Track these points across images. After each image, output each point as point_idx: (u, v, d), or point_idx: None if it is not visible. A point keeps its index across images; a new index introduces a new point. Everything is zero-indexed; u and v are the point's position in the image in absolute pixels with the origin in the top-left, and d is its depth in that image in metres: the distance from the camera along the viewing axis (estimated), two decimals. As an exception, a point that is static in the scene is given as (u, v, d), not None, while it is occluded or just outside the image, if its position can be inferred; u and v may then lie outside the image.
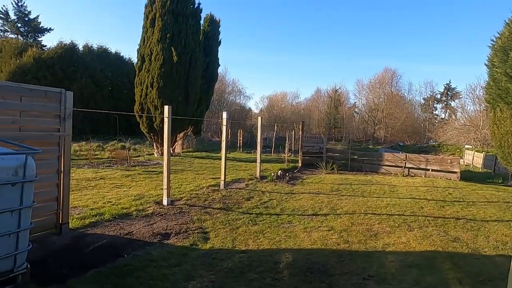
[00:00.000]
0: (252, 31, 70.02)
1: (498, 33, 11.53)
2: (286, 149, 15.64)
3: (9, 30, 37.80)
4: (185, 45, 15.63)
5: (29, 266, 3.16)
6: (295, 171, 13.07)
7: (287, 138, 17.32)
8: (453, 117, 47.99)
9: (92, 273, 3.50)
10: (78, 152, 15.28)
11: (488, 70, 12.14)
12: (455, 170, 12.69)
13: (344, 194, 8.55)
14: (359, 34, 66.45)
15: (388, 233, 5.32)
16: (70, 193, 4.99)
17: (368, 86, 56.47)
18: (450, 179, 12.33)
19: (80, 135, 20.84)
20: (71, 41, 27.82)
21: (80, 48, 28.62)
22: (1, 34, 37.22)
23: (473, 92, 38.06)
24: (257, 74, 75.59)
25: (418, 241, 4.95)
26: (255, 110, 56.97)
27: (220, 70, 20.11)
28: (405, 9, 59.67)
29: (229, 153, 20.11)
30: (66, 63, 26.27)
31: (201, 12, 16.95)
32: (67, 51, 26.80)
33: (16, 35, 37.16)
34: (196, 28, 16.55)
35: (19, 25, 37.97)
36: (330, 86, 59.48)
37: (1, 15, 37.27)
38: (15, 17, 37.83)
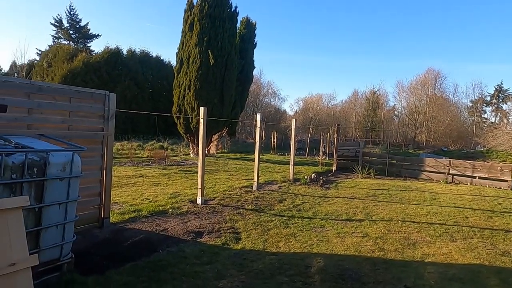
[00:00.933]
0: (288, 31, 69.79)
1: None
2: (321, 152, 15.36)
3: (62, 37, 40.91)
4: (221, 48, 15.94)
5: (73, 256, 3.39)
6: (329, 174, 12.80)
7: (321, 141, 17.00)
8: (505, 121, 44.35)
9: (129, 266, 3.68)
10: (120, 151, 16.14)
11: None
12: (506, 178, 11.71)
13: (381, 200, 8.23)
14: (400, 35, 63.73)
15: (428, 242, 5.04)
16: (112, 189, 5.28)
17: (409, 88, 53.90)
18: (500, 188, 11.41)
19: (122, 134, 22.02)
20: (116, 46, 29.51)
21: (124, 52, 30.26)
22: (56, 40, 40.42)
23: (528, 94, 34.89)
24: (292, 75, 75.17)
25: (461, 253, 4.63)
26: (290, 112, 56.64)
27: (255, 72, 20.28)
28: (449, 4, 56.24)
29: (263, 155, 20.17)
30: (111, 67, 27.91)
31: (237, 16, 17.22)
32: (112, 55, 28.45)
33: (68, 41, 40.13)
34: (233, 31, 16.82)
35: (71, 32, 40.96)
36: (368, 88, 57.50)
37: (56, 23, 40.46)
38: (67, 25, 40.87)
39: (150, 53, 32.43)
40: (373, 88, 55.23)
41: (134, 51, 31.24)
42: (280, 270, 3.84)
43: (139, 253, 4.06)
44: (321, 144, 16.35)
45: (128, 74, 28.47)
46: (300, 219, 6.13)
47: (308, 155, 20.12)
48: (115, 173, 9.28)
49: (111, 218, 5.15)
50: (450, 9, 55.76)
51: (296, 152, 21.92)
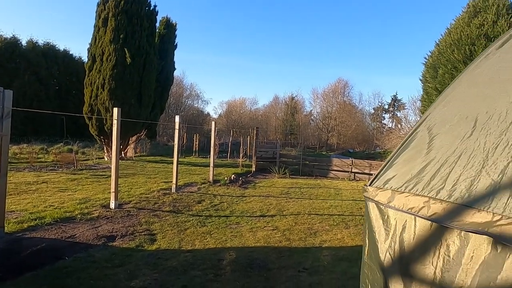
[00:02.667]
0: (213, 34, 69.91)
1: (430, 52, 12.94)
2: (241, 154, 15.91)
3: None
4: (139, 47, 15.34)
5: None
6: (249, 175, 13.37)
7: (241, 143, 17.61)
8: (399, 126, 51.86)
9: (29, 276, 3.44)
10: (19, 155, 14.22)
11: (422, 84, 13.53)
12: (394, 174, 13.80)
13: (293, 197, 9.00)
14: (316, 44, 69.33)
15: (327, 231, 5.78)
16: (7, 197, 4.77)
17: (322, 95, 59.02)
18: (389, 183, 13.40)
19: (20, 137, 19.34)
20: (13, 35, 25.80)
21: (24, 43, 26.63)
22: None
23: (414, 103, 41.50)
24: (217, 78, 75.44)
25: (351, 237, 5.45)
26: (214, 115, 56.76)
27: (177, 73, 19.95)
28: (360, 21, 63.60)
29: (184, 158, 19.93)
30: (6, 59, 24.28)
31: (157, 15, 16.77)
32: (8, 46, 24.79)
33: None
34: (151, 30, 16.32)
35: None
36: (287, 94, 61.11)
37: None
38: None
39: (57, 46, 29.15)
40: (291, 94, 58.95)
41: (36, 42, 27.71)
42: (194, 266, 4.02)
43: (41, 261, 3.80)
44: (241, 147, 16.92)
45: (28, 68, 25.12)
46: (217, 218, 6.38)
47: (230, 158, 20.57)
48: (11, 179, 8.24)
49: (6, 227, 4.65)
50: (361, 23, 62.84)
51: (218, 154, 22.15)
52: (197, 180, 10.88)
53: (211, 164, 10.95)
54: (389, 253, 0.98)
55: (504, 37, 1.20)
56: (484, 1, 11.11)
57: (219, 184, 10.44)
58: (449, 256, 0.75)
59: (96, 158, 16.12)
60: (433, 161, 0.90)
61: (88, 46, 16.01)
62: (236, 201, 8.11)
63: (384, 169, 1.15)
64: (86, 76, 15.86)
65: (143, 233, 5.12)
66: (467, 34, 10.81)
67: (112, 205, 6.45)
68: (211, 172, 10.88)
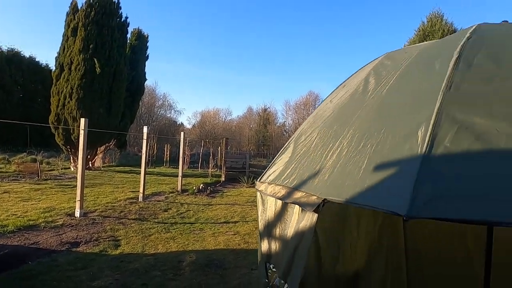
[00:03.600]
0: (187, 45, 69.96)
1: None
2: (210, 164, 16.19)
3: None
4: (109, 57, 15.38)
5: None
6: (218, 185, 13.67)
7: (211, 154, 17.90)
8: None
9: (-8, 279, 3.59)
10: (-23, 165, 13.67)
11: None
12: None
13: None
14: (289, 57, 71.16)
15: (284, 234, 6.23)
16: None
17: (294, 107, 60.56)
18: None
19: (-20, 146, 18.50)
20: (-26, 40, 24.70)
21: (-15, 49, 25.58)
22: None
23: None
24: (190, 89, 75.15)
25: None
26: (188, 125, 56.41)
27: (150, 83, 20.05)
28: (329, 37, 66.17)
29: (154, 168, 19.87)
30: (-35, 65, 23.22)
31: (128, 26, 16.91)
32: (-32, 51, 23.74)
33: None
34: (122, 41, 16.43)
35: None
36: (260, 105, 62.09)
37: None
38: None
39: (22, 52, 28.21)
40: (265, 106, 60.02)
41: (0, 48, 26.71)
42: (155, 267, 4.31)
43: (4, 266, 3.94)
44: (211, 157, 17.22)
45: (-10, 75, 24.11)
46: (182, 224, 6.66)
47: (200, 168, 20.73)
48: (-30, 189, 8.07)
49: (-33, 236, 4.71)
50: (330, 39, 65.33)
51: (189, 165, 22.23)
52: (165, 189, 11.04)
53: (180, 174, 11.18)
54: (263, 223, 1.41)
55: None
56: (432, 26, 12.34)
57: (187, 193, 10.67)
58: (286, 220, 1.17)
59: (62, 168, 15.76)
60: (292, 162, 1.34)
61: (56, 54, 15.82)
62: (203, 209, 8.41)
63: (269, 168, 1.58)
64: (53, 85, 15.62)
65: (107, 239, 5.32)
66: (417, 55, 11.90)
67: (77, 214, 6.56)
68: (179, 182, 11.09)
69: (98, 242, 5.18)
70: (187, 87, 70.46)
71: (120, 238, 5.47)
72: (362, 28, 59.55)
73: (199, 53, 69.72)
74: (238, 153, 32.16)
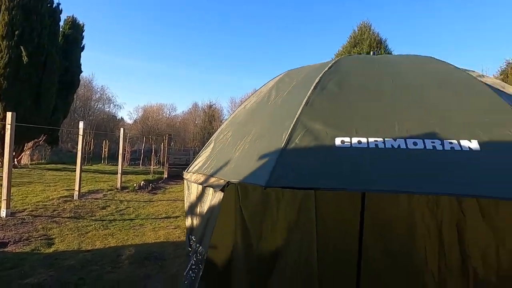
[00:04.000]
0: (126, 37, 66.21)
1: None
2: (152, 161, 15.90)
3: None
4: (38, 45, 14.19)
5: None
6: (160, 181, 13.54)
7: (153, 150, 17.56)
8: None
9: None
10: None
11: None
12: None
13: (200, 200, 9.64)
14: (234, 55, 71.39)
15: (224, 226, 6.58)
16: None
17: (239, 104, 61.10)
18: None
19: None
20: None
21: None
22: None
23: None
24: (132, 82, 71.35)
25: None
26: (129, 120, 53.60)
27: (86, 75, 18.83)
28: (275, 36, 67.79)
29: (91, 165, 18.85)
30: None
31: (60, 13, 15.72)
32: None
33: None
34: (54, 29, 15.24)
35: None
36: (206, 102, 61.53)
37: None
38: None
39: None
40: (210, 102, 59.63)
41: None
42: (92, 262, 4.35)
43: None
44: (153, 154, 16.91)
45: None
46: (121, 221, 6.63)
47: (142, 165, 20.14)
48: None
49: None
50: (276, 39, 66.91)
51: (130, 162, 21.44)
52: (103, 187, 10.68)
53: (119, 171, 10.89)
54: (188, 205, 1.74)
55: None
56: (362, 35, 13.64)
57: (127, 190, 10.46)
58: (204, 200, 1.51)
59: (-20, 167, 14.18)
60: (211, 156, 1.68)
61: (-27, 39, 14.12)
62: (143, 205, 8.38)
63: (195, 161, 1.90)
64: (-30, 73, 13.93)
65: (39, 238, 5.15)
66: (349, 60, 13.12)
67: (3, 214, 6.16)
68: (119, 179, 10.81)
69: (29, 241, 5.00)
70: (127, 81, 66.89)
71: (53, 236, 5.33)
72: (307, 29, 62.11)
73: (141, 45, 66.67)
74: (183, 150, 31.73)
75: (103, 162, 21.86)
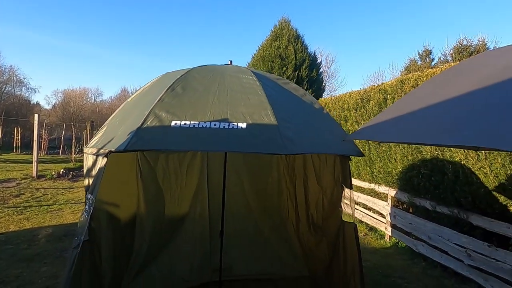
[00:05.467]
0: (39, 12, 58.80)
1: (248, 63, 15.95)
2: (73, 149, 15.25)
3: None
4: None
5: None
6: (82, 169, 13.19)
7: (73, 138, 16.78)
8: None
9: None
10: None
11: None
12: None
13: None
14: (165, 40, 68.64)
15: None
16: None
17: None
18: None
19: None
20: None
21: None
22: None
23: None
24: (49, 63, 64.01)
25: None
26: (46, 105, 48.49)
27: (-13, 56, 16.80)
28: (208, 23, 66.69)
29: (1, 155, 17.24)
30: None
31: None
32: None
33: None
34: None
35: None
36: (135, 87, 58.63)
37: None
38: None
39: None
40: (140, 87, 56.92)
41: None
42: (7, 243, 4.58)
43: None
44: (73, 141, 16.20)
45: None
46: (37, 207, 6.69)
47: (63, 154, 19.02)
48: None
49: None
50: (209, 25, 65.89)
51: (49, 150, 20.00)
52: (17, 176, 10.18)
53: (35, 159, 10.46)
54: (85, 171, 2.36)
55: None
56: (281, 30, 14.78)
57: (44, 178, 10.15)
58: (95, 165, 2.14)
59: None
60: (104, 134, 2.32)
61: None
62: (63, 192, 8.38)
63: (93, 138, 2.49)
64: None
65: None
66: (269, 53, 14.21)
67: None
68: (34, 168, 10.39)
69: None
70: (43, 61, 59.99)
71: (-39, 223, 5.30)
72: (237, 17, 62.43)
73: (59, 23, 59.94)
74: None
75: (15, 151, 20.03)
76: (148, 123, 1.85)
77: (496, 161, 3.34)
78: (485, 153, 3.43)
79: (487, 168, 3.44)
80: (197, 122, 1.86)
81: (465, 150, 3.64)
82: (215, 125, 1.84)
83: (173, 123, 1.85)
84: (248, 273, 3.59)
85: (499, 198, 3.37)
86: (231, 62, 2.78)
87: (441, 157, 4.10)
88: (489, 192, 3.46)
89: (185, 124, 1.84)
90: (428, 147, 4.29)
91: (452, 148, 3.85)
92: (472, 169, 3.64)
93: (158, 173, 3.34)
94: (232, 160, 3.46)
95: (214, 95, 2.08)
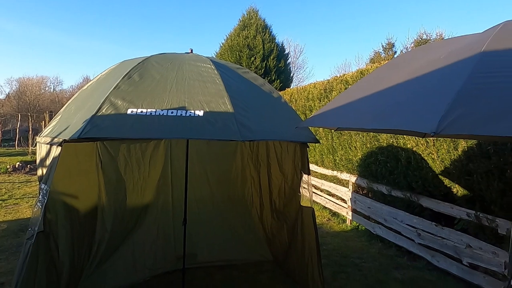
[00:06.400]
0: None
1: (216, 52, 15.77)
2: (30, 141, 14.41)
3: None
4: None
5: None
6: (41, 162, 12.54)
7: (30, 129, 15.84)
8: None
9: None
10: None
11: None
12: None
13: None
14: (129, 26, 65.66)
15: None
16: None
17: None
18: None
19: None
20: None
21: None
22: None
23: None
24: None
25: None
26: (-1, 95, 45.03)
27: None
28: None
29: None
30: None
31: None
32: None
33: None
34: None
35: None
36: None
37: None
38: None
39: None
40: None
41: None
42: (-44, 240, 4.31)
43: None
44: (30, 132, 15.30)
45: None
46: (-10, 202, 6.31)
47: (18, 146, 17.89)
48: None
49: None
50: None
51: (3, 143, 18.70)
52: (-35, 170, 9.50)
53: (-13, 152, 9.78)
54: (38, 160, 2.30)
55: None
56: (249, 19, 14.71)
57: (-2, 172, 9.55)
58: (49, 154, 2.09)
59: None
60: (58, 123, 2.26)
61: None
62: (19, 186, 7.95)
63: (47, 128, 2.42)
64: None
65: None
66: (237, 43, 14.13)
67: None
68: (-14, 161, 9.73)
69: None
70: (-6, 46, 55.42)
71: None
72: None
73: (12, 6, 55.41)
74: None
75: (-36, 145, 18.53)
76: (103, 110, 1.83)
77: (442, 147, 3.62)
78: (433, 140, 3.70)
79: (434, 154, 3.72)
80: (154, 110, 1.86)
81: (416, 138, 3.91)
82: (172, 113, 1.86)
83: (129, 111, 1.84)
84: (212, 260, 3.66)
85: (444, 181, 3.67)
86: (191, 50, 2.77)
87: (396, 144, 4.37)
88: (436, 176, 3.75)
89: (141, 112, 1.84)
90: (385, 135, 4.55)
91: (405, 136, 4.11)
92: (422, 155, 3.91)
93: (119, 162, 3.27)
94: (196, 149, 3.48)
95: (172, 83, 2.08)
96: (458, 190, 3.52)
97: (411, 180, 4.06)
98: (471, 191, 3.33)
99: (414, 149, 4.03)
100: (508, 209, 2.94)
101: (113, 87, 1.97)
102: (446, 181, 3.64)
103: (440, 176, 3.71)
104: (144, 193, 3.50)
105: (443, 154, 3.61)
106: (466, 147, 3.36)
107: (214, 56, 16.07)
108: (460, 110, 0.93)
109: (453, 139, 3.43)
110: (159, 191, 3.58)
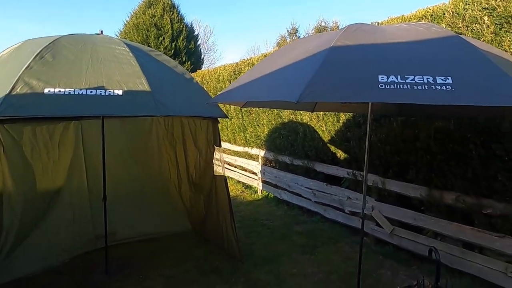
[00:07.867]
0: None
1: (119, 30, 14.70)
2: None
3: None
4: None
5: None
6: None
7: None
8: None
9: None
10: None
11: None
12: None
13: None
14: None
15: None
16: None
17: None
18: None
19: None
20: None
21: None
22: None
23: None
24: None
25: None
26: None
27: None
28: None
29: None
30: None
31: None
32: None
33: None
34: None
35: None
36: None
37: None
38: None
39: None
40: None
41: None
42: None
43: None
44: None
45: None
46: None
47: None
48: None
49: None
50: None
51: None
52: None
53: None
54: None
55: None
56: (155, -3, 14.09)
57: None
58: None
59: None
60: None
61: None
62: None
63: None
64: None
65: None
66: (143, 21, 13.44)
67: None
68: None
69: None
70: None
71: None
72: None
73: None
74: None
75: None
76: (18, 90, 1.85)
77: (329, 120, 4.42)
78: (322, 115, 4.48)
79: (324, 126, 4.52)
80: (73, 89, 1.96)
81: (309, 113, 4.65)
82: (91, 92, 1.99)
83: (46, 90, 1.90)
84: (133, 235, 3.83)
85: (331, 148, 4.51)
86: (101, 31, 2.81)
87: (295, 120, 5.09)
88: (325, 144, 4.56)
89: (59, 91, 1.92)
90: (286, 111, 5.23)
91: (301, 112, 4.84)
92: (315, 128, 4.69)
93: (25, 146, 3.13)
94: (110, 129, 3.53)
95: (88, 64, 2.17)
96: (340, 154, 4.39)
97: (307, 149, 4.83)
98: (349, 154, 4.20)
99: (309, 123, 4.79)
100: (373, 166, 3.85)
101: (25, 67, 1.98)
102: (332, 148, 4.49)
103: (328, 144, 4.54)
104: (56, 176, 3.42)
105: (329, 126, 4.42)
106: (345, 120, 4.20)
107: (118, 36, 14.97)
108: (315, 86, 1.41)
109: (336, 113, 4.24)
110: (72, 173, 3.54)
